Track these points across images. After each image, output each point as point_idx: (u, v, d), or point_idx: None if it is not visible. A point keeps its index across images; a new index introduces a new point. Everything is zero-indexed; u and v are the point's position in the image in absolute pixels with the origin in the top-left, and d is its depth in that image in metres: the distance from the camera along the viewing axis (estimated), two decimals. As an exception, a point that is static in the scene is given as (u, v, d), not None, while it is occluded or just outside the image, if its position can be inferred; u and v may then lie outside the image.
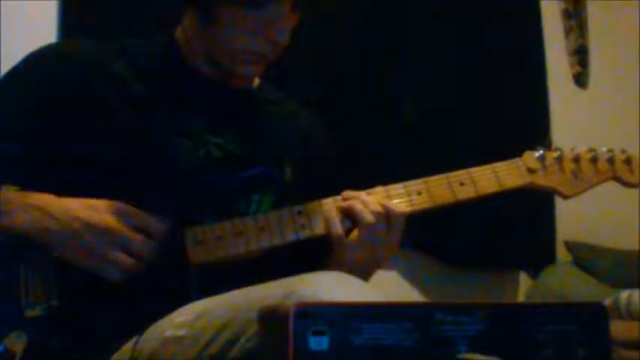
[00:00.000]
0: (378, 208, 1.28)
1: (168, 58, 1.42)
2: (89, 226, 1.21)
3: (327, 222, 1.29)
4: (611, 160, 1.41)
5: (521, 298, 2.99)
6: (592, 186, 1.40)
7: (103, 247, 1.21)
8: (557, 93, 3.14)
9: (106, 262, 1.22)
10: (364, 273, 1.31)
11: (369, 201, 1.29)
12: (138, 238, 1.23)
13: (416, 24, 2.90)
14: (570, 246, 2.98)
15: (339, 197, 1.33)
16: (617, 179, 1.42)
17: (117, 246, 1.22)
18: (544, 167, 1.38)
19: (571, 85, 3.26)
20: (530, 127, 2.94)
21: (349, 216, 1.29)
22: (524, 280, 3.05)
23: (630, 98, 3.28)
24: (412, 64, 2.90)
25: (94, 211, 1.23)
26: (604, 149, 1.41)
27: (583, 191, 1.40)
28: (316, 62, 2.69)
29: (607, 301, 2.51)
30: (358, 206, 1.29)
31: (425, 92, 2.90)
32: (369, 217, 1.28)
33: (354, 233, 1.30)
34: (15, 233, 1.21)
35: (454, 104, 2.91)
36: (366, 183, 1.35)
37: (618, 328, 2.21)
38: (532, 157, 1.39)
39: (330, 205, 1.31)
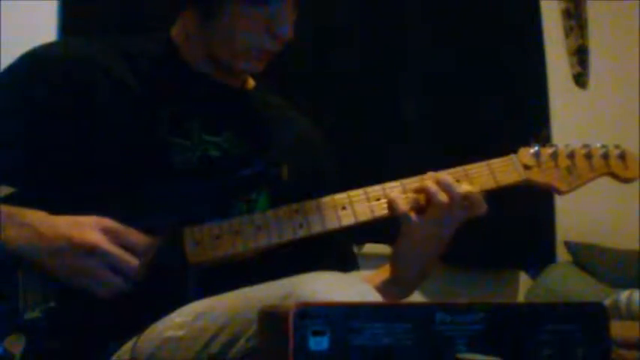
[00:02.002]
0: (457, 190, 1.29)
1: (165, 57, 1.41)
2: (74, 245, 1.20)
3: (392, 203, 1.30)
4: (605, 156, 1.41)
5: (521, 298, 2.99)
6: (587, 182, 1.40)
7: (88, 265, 1.20)
8: (557, 93, 3.15)
9: (91, 280, 1.21)
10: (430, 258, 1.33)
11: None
12: (119, 254, 1.21)
13: (416, 24, 2.90)
14: (570, 246, 2.98)
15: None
16: (612, 175, 1.41)
17: (101, 264, 1.20)
18: (539, 163, 1.38)
19: (571, 85, 3.27)
20: (531, 126, 2.94)
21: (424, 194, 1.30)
22: (524, 280, 3.05)
23: (630, 98, 3.28)
24: (412, 64, 2.90)
25: (80, 228, 1.21)
26: (598, 145, 1.41)
27: (578, 187, 1.40)
28: (316, 61, 2.69)
29: (607, 301, 2.51)
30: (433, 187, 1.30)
31: (424, 92, 2.90)
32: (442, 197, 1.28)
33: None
34: (7, 250, 1.21)
35: (454, 104, 2.91)
36: (363, 182, 1.34)
37: (618, 328, 2.21)
38: (527, 153, 1.39)
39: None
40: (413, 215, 1.29)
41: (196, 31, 1.37)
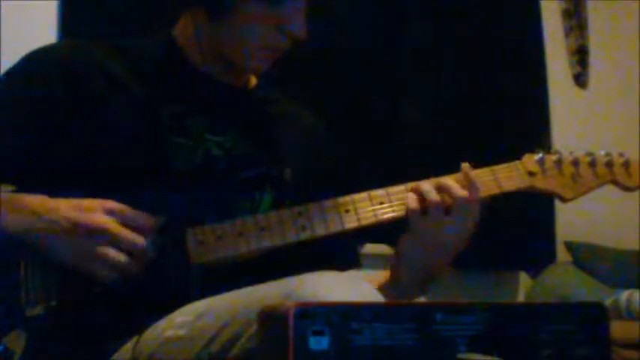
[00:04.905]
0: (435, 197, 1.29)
1: (167, 57, 1.41)
2: (77, 226, 1.20)
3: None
4: (609, 164, 1.41)
5: (521, 298, 2.99)
6: (590, 189, 1.40)
7: (92, 246, 1.19)
8: (557, 93, 3.15)
9: (96, 261, 1.20)
10: (433, 267, 1.32)
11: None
12: (128, 235, 1.21)
13: (415, 23, 2.90)
14: (570, 246, 2.98)
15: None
16: (616, 183, 1.42)
17: (106, 244, 1.20)
18: (543, 170, 1.38)
19: (571, 85, 3.27)
20: (531, 127, 2.94)
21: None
22: (524, 280, 3.06)
23: (630, 98, 3.29)
24: (412, 64, 2.90)
25: (82, 211, 1.21)
26: (602, 153, 1.41)
27: (582, 194, 1.40)
28: (316, 62, 2.69)
29: (607, 301, 2.52)
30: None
31: (425, 93, 2.90)
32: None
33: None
34: (7, 236, 1.20)
35: (454, 104, 2.91)
36: (366, 184, 1.34)
37: (618, 328, 2.22)
38: (532, 160, 1.39)
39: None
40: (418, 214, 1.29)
41: (204, 30, 1.37)
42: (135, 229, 1.22)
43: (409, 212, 1.29)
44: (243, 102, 1.45)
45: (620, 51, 3.33)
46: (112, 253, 1.20)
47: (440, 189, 1.29)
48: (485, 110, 2.93)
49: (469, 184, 1.30)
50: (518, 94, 3.01)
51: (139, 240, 1.21)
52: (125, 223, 1.22)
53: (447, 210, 1.29)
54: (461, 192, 1.28)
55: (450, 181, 1.30)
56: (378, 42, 2.84)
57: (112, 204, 1.23)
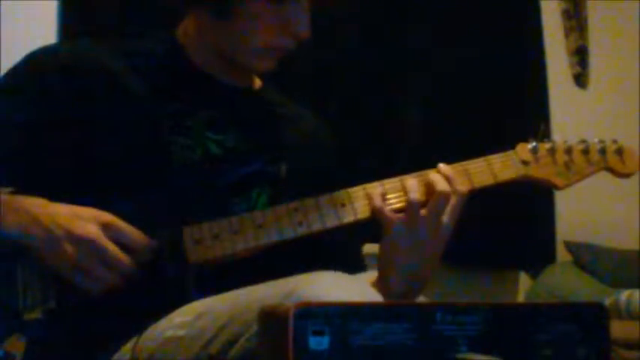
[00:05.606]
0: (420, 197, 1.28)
1: (170, 56, 1.41)
2: (71, 235, 1.19)
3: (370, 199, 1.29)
4: (602, 151, 1.41)
5: (521, 298, 2.99)
6: (584, 177, 1.41)
7: (82, 258, 1.19)
8: (557, 93, 3.15)
9: (80, 273, 1.20)
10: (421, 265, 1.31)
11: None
12: (114, 251, 1.21)
13: (416, 24, 2.91)
14: (570, 246, 2.98)
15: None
16: (609, 170, 1.42)
17: (96, 258, 1.20)
18: (537, 159, 1.38)
19: (571, 85, 3.27)
20: (531, 127, 2.94)
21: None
22: (524, 280, 3.06)
23: (630, 98, 3.29)
24: (412, 64, 2.90)
25: (79, 220, 1.21)
26: (596, 140, 1.42)
27: (576, 182, 1.40)
28: (316, 61, 2.69)
29: (607, 301, 2.52)
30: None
31: (424, 91, 2.91)
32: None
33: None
34: (3, 237, 1.20)
35: (453, 104, 2.91)
36: (363, 181, 1.34)
37: (618, 328, 2.22)
38: (525, 149, 1.39)
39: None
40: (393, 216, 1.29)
41: (208, 30, 1.37)
42: (125, 246, 1.22)
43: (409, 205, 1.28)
44: (244, 101, 1.45)
45: (620, 51, 3.33)
46: (95, 267, 1.20)
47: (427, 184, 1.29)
48: (485, 110, 2.93)
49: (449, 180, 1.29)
50: (519, 93, 3.01)
51: (124, 259, 1.21)
52: (117, 239, 1.22)
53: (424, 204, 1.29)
54: (442, 186, 1.28)
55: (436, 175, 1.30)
56: (377, 42, 2.85)
57: (107, 217, 1.22)
